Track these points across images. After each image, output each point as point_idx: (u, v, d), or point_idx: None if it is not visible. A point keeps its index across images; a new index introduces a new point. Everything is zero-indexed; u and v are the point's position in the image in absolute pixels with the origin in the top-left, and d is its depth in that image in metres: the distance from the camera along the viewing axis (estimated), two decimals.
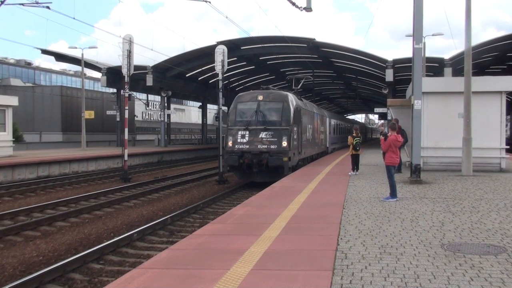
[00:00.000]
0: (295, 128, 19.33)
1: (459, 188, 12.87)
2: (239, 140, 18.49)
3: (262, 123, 18.73)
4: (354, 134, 17.62)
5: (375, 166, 20.56)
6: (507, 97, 20.35)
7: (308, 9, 17.65)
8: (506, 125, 29.02)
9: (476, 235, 7.31)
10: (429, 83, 17.67)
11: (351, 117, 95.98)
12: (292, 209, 9.62)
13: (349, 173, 17.08)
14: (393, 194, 11.04)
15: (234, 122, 19.20)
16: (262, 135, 18.43)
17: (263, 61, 42.49)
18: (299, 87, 27.45)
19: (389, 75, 33.81)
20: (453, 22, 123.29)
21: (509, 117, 41.05)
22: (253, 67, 43.74)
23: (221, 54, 22.51)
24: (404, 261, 5.90)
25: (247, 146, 18.38)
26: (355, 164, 17.44)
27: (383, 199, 11.03)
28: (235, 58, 38.03)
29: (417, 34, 14.83)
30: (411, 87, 15.84)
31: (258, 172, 18.43)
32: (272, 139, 18.29)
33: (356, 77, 46.57)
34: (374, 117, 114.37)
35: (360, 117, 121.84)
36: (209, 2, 19.10)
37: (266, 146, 18.21)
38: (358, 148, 17.38)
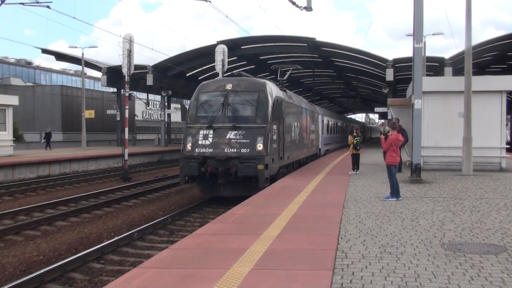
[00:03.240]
0: (274, 126, 15.00)
1: (460, 188, 12.86)
2: (200, 142, 14.19)
3: (231, 120, 14.31)
4: (354, 134, 17.60)
5: (375, 166, 20.56)
6: (507, 96, 20.36)
7: (308, 8, 17.63)
8: (507, 124, 29.01)
9: (476, 235, 7.31)
10: (429, 83, 17.66)
11: (351, 116, 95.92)
12: (292, 209, 9.62)
13: (349, 173, 17.08)
14: (393, 193, 11.04)
15: (195, 119, 14.78)
16: (231, 135, 14.08)
17: (263, 61, 42.48)
18: (285, 78, 22.80)
19: (389, 75, 33.80)
20: (453, 22, 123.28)
21: (509, 116, 41.02)
22: (253, 66, 43.72)
23: (221, 53, 22.53)
24: (405, 261, 5.90)
25: (211, 150, 13.96)
26: (356, 164, 17.44)
27: (383, 198, 11.03)
28: (235, 58, 38.02)
29: (417, 33, 14.82)
30: (412, 87, 15.84)
31: (225, 184, 13.93)
32: (244, 141, 13.98)
33: (357, 77, 46.56)
34: (374, 117, 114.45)
35: (360, 117, 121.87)
36: (209, 1, 19.09)
37: (235, 150, 13.87)
38: (358, 148, 17.38)
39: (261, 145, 13.97)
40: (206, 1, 19.09)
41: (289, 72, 23.90)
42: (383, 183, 14.01)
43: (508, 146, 19.11)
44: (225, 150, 13.93)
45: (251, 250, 6.39)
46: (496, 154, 17.63)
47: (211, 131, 14.28)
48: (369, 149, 37.81)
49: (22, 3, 21.83)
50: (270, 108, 14.67)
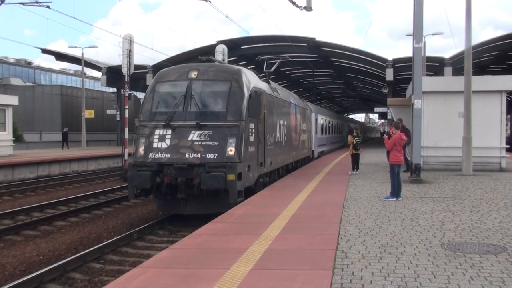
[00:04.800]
0: (251, 125, 12.04)
1: (459, 188, 12.87)
2: (155, 145, 11.33)
3: (194, 117, 11.38)
4: (354, 134, 17.63)
5: (375, 166, 20.57)
6: (507, 96, 20.36)
7: (308, 8, 17.64)
8: (506, 124, 29.03)
9: (476, 235, 7.31)
10: (429, 83, 17.67)
11: (350, 116, 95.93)
12: (292, 209, 9.62)
13: (349, 173, 17.09)
14: (393, 193, 11.04)
15: (150, 115, 11.91)
16: (194, 136, 11.19)
17: (263, 61, 42.45)
18: (272, 69, 20.04)
19: (389, 75, 33.80)
20: (453, 22, 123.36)
21: (509, 116, 41.04)
22: (253, 66, 43.71)
23: (221, 53, 22.50)
24: (404, 261, 5.90)
25: (168, 156, 11.13)
26: (355, 164, 17.45)
27: (383, 198, 11.03)
28: (235, 58, 38.02)
29: (417, 33, 14.83)
30: (411, 87, 15.85)
31: (186, 200, 11.06)
32: (211, 143, 11.10)
33: (356, 77, 46.56)
34: (374, 117, 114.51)
35: (360, 117, 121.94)
36: (209, 1, 19.08)
37: (199, 155, 10.96)
38: (358, 148, 17.39)
39: (233, 149, 11.02)
40: (206, 1, 19.09)
41: (277, 63, 21.65)
42: (383, 183, 14.02)
43: (508, 146, 19.10)
44: (186, 156, 10.99)
45: (251, 250, 6.39)
46: (496, 154, 17.64)
47: (169, 131, 11.38)
48: (369, 149, 37.82)
49: (22, 3, 21.83)
50: (245, 102, 11.67)
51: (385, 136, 12.28)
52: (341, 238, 7.12)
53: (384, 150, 14.19)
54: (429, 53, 38.01)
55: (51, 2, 21.28)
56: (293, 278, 5.21)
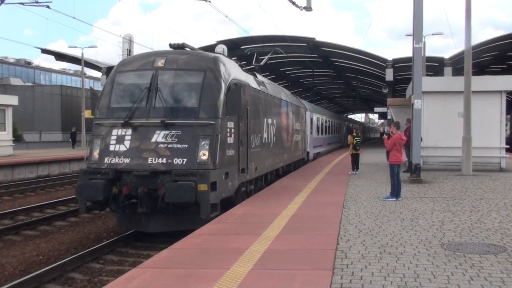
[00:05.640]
0: (230, 123, 10.24)
1: (459, 188, 12.87)
2: (112, 148, 9.58)
3: (160, 113, 9.61)
4: (354, 134, 17.65)
5: (375, 166, 20.58)
6: (507, 96, 20.37)
7: (308, 8, 17.66)
8: (506, 124, 29.04)
9: (476, 235, 7.31)
10: (429, 83, 17.69)
11: (351, 116, 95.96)
12: (292, 209, 9.62)
13: (349, 173, 17.10)
14: (393, 193, 11.05)
15: (107, 111, 10.12)
16: (159, 137, 9.40)
17: (263, 60, 42.50)
18: (261, 63, 18.40)
19: (389, 75, 33.79)
20: (453, 22, 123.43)
21: (509, 116, 41.04)
22: (253, 66, 43.74)
23: (221, 53, 22.46)
24: (404, 261, 5.90)
25: (127, 161, 9.34)
26: (355, 164, 17.46)
27: (383, 198, 11.04)
28: (235, 58, 37.97)
29: (417, 33, 14.84)
30: (411, 87, 15.85)
31: (148, 214, 9.30)
32: (179, 146, 9.30)
33: (356, 77, 46.57)
34: (374, 117, 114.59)
35: (360, 117, 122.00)
36: (209, 1, 19.09)
37: (165, 161, 9.19)
38: (358, 148, 17.40)
39: (206, 153, 9.23)
40: (206, 1, 19.09)
41: (267, 57, 19.86)
42: (383, 183, 14.03)
43: (508, 146, 19.12)
44: (149, 161, 9.19)
45: (250, 250, 6.39)
46: (496, 154, 17.65)
47: (129, 131, 9.58)
48: (369, 149, 37.82)
49: (22, 3, 21.83)
50: (222, 96, 9.87)
51: (385, 136, 12.29)
52: (341, 238, 7.12)
53: (384, 150, 14.20)
54: (429, 53, 38.06)
55: (51, 2, 21.29)
56: (293, 278, 5.21)
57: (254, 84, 12.87)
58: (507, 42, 32.62)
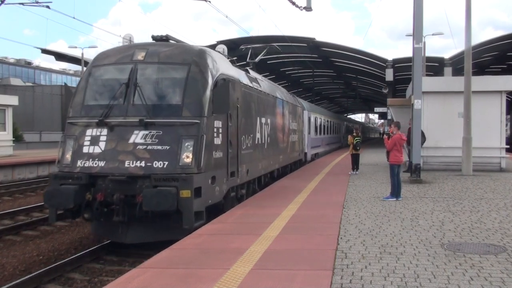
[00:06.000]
0: (218, 123, 9.37)
1: (459, 188, 12.87)
2: (85, 150, 8.74)
3: (139, 112, 8.77)
4: (354, 134, 17.67)
5: (375, 166, 20.58)
6: (507, 96, 20.38)
7: (308, 8, 17.66)
8: (506, 124, 29.04)
9: (476, 235, 7.32)
10: (429, 83, 17.69)
11: (351, 116, 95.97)
12: (292, 209, 9.62)
13: (349, 173, 17.11)
14: (393, 193, 11.05)
15: (81, 109, 9.27)
16: (138, 137, 8.59)
17: (263, 61, 42.44)
18: (256, 60, 17.57)
19: (389, 75, 33.82)
20: (453, 22, 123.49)
21: (509, 116, 41.05)
22: (252, 67, 43.78)
23: (221, 52, 22.43)
24: (404, 261, 5.90)
25: (102, 164, 8.52)
26: (355, 164, 17.47)
27: (383, 198, 11.04)
28: (235, 58, 38.00)
29: (417, 33, 14.85)
30: (411, 87, 15.86)
31: (125, 223, 8.49)
32: (159, 148, 8.49)
33: (356, 77, 46.60)
34: (374, 117, 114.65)
35: (360, 117, 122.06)
36: (209, 1, 19.09)
37: (143, 164, 8.37)
38: (358, 148, 17.42)
39: (190, 155, 8.38)
40: (206, 1, 19.10)
41: (263, 53, 18.97)
42: (383, 183, 14.03)
43: (508, 146, 19.13)
44: (126, 164, 8.35)
45: (251, 250, 6.39)
46: (496, 154, 17.66)
47: (105, 131, 8.75)
48: (369, 149, 37.83)
49: (22, 3, 21.83)
50: (209, 92, 9.01)
51: (385, 136, 12.30)
52: (341, 238, 7.12)
53: (384, 150, 14.21)
54: (429, 53, 38.06)
55: (51, 2, 21.27)
56: (293, 278, 5.21)
57: (245, 80, 12.01)
58: (507, 42, 32.63)
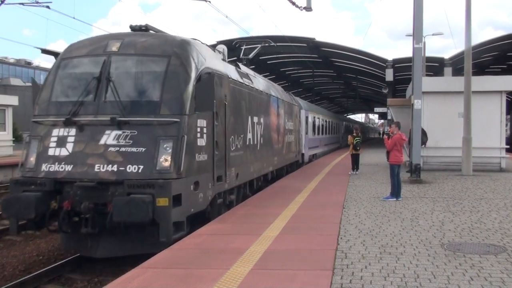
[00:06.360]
0: (201, 122, 8.45)
1: (459, 188, 12.87)
2: (51, 153, 7.83)
3: (111, 109, 7.90)
4: (354, 134, 17.68)
5: (375, 166, 20.58)
6: (507, 96, 20.38)
7: (308, 8, 17.66)
8: (506, 124, 29.05)
9: (476, 235, 7.32)
10: (429, 83, 17.70)
11: (351, 116, 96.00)
12: (292, 209, 9.63)
13: (349, 173, 17.12)
14: (393, 193, 11.05)
15: (47, 107, 8.37)
16: (110, 138, 7.73)
17: (263, 61, 42.53)
18: (250, 56, 16.76)
19: (389, 75, 33.81)
20: (452, 22, 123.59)
21: (509, 116, 41.05)
22: (253, 66, 43.77)
23: (221, 53, 22.41)
24: (404, 261, 5.90)
25: (69, 168, 7.63)
26: (355, 164, 17.48)
27: (383, 198, 11.04)
28: (235, 58, 38.01)
29: (417, 33, 14.85)
30: (411, 87, 15.87)
31: (94, 236, 7.58)
32: (134, 150, 7.62)
33: (356, 77, 46.58)
34: (374, 117, 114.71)
35: (360, 117, 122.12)
36: (209, 1, 19.09)
37: (115, 168, 7.51)
38: (358, 148, 17.43)
39: (168, 158, 7.53)
40: (206, 1, 19.10)
41: (257, 49, 18.08)
42: (382, 183, 14.03)
43: (508, 146, 19.14)
44: (96, 169, 7.48)
45: (251, 250, 6.39)
46: (496, 154, 17.66)
47: (73, 131, 7.87)
48: (369, 149, 37.83)
49: (22, 3, 21.82)
50: (191, 87, 8.12)
51: (385, 136, 12.31)
52: (341, 238, 7.12)
53: (384, 150, 14.22)
54: (429, 53, 38.06)
55: (51, 2, 21.24)
56: (293, 278, 5.21)
57: (235, 76, 11.00)
58: (507, 42, 32.62)
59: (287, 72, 46.78)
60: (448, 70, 32.55)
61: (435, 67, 34.62)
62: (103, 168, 7.50)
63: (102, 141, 7.68)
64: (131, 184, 7.25)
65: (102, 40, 8.74)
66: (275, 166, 15.57)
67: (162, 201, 7.16)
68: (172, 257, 6.24)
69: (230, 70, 10.85)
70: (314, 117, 26.69)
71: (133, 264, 6.56)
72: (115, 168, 7.47)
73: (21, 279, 7.46)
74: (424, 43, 28.18)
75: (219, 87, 9.23)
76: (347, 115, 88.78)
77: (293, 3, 17.30)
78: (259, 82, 14.25)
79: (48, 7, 21.20)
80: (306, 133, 23.60)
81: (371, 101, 68.57)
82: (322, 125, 30.54)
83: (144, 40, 8.57)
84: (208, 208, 8.84)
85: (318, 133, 28.78)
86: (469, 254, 6.21)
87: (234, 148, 10.45)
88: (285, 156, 17.37)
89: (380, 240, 7.01)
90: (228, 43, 33.52)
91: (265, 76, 29.33)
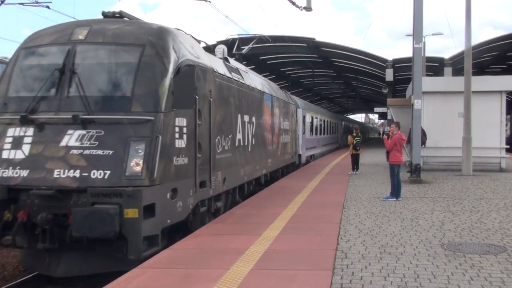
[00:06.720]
0: (180, 121, 7.50)
1: (459, 188, 12.87)
2: (5, 155, 6.88)
3: (74, 106, 6.96)
4: (354, 134, 17.70)
5: (375, 166, 20.58)
6: (507, 96, 20.39)
7: (308, 8, 17.65)
8: (506, 124, 29.05)
9: (476, 235, 7.32)
10: (429, 83, 17.71)
11: (351, 116, 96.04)
12: (292, 209, 9.63)
13: (349, 173, 17.12)
14: (393, 193, 11.05)
15: (3, 103, 7.40)
16: (72, 139, 6.74)
17: (263, 61, 42.54)
18: (244, 51, 15.97)
19: (389, 75, 33.82)
20: (452, 22, 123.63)
21: (509, 116, 41.05)
22: (253, 66, 43.78)
23: (221, 53, 22.40)
24: (404, 261, 5.90)
25: (25, 174, 6.62)
26: (355, 164, 17.49)
27: (383, 198, 11.04)
28: (235, 58, 37.99)
29: (417, 33, 14.86)
30: (411, 87, 15.87)
31: (53, 252, 6.65)
32: (100, 152, 6.63)
33: (356, 77, 46.59)
34: (374, 117, 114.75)
35: (360, 117, 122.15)
36: (209, 1, 19.09)
37: (78, 174, 6.49)
38: (358, 148, 17.44)
39: (140, 162, 6.54)
40: (206, 1, 19.09)
41: (252, 43, 17.07)
42: (382, 183, 14.03)
43: (508, 146, 19.15)
44: (56, 174, 6.50)
45: (251, 250, 6.39)
46: (496, 154, 17.67)
47: (30, 130, 6.91)
48: (369, 149, 37.84)
49: (22, 3, 21.83)
50: (168, 81, 7.16)
51: (385, 136, 12.31)
52: (341, 238, 7.12)
53: (384, 150, 14.24)
54: (429, 53, 38.06)
55: (51, 2, 21.24)
56: (293, 278, 5.21)
57: (222, 70, 9.98)
58: (507, 42, 32.62)
59: (287, 72, 46.77)
60: (448, 70, 32.56)
61: (435, 67, 34.63)
62: (63, 173, 6.47)
63: (63, 143, 6.67)
64: (95, 193, 6.30)
65: (68, 28, 7.69)
66: (269, 169, 14.59)
67: (131, 212, 6.24)
68: (172, 257, 6.24)
69: (217, 64, 9.83)
70: (311, 117, 25.89)
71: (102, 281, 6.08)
72: (77, 173, 6.45)
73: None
74: (424, 43, 28.20)
75: (202, 82, 8.26)
76: (347, 115, 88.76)
77: (293, 3, 17.29)
78: (251, 78, 13.23)
79: (48, 7, 21.20)
80: (303, 133, 22.73)
81: (371, 101, 68.57)
82: (320, 125, 29.78)
83: (115, 28, 7.52)
84: (190, 217, 7.90)
85: (316, 133, 27.91)
86: (469, 254, 6.21)
87: (220, 149, 9.45)
88: (280, 158, 16.41)
89: (380, 240, 7.01)
90: (227, 43, 33.51)
91: (265, 76, 28.76)
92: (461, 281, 5.10)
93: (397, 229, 7.72)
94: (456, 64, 31.29)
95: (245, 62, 43.64)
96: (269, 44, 37.35)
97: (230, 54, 14.36)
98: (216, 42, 33.50)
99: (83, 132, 6.70)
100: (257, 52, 38.86)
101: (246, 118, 11.69)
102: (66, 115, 6.80)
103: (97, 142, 6.62)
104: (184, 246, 6.87)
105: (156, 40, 7.40)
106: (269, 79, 46.90)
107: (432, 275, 5.32)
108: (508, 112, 37.41)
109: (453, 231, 7.56)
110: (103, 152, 6.57)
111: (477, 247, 6.57)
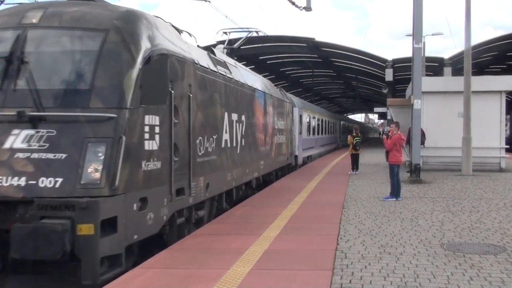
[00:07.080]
0: (151, 119, 6.32)
1: (459, 188, 12.88)
2: None
3: (22, 100, 5.79)
4: (354, 134, 17.72)
5: (375, 166, 20.59)
6: (506, 96, 20.40)
7: (308, 8, 17.66)
8: (506, 124, 29.06)
9: (475, 235, 7.32)
10: (428, 83, 17.72)
11: (350, 116, 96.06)
12: (291, 209, 9.63)
13: (349, 173, 17.13)
14: (393, 193, 11.06)
15: None
16: (17, 140, 5.61)
17: (262, 61, 42.54)
18: (235, 46, 15.47)
19: (389, 75, 33.83)
20: (452, 22, 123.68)
21: (509, 116, 41.08)
22: (253, 66, 43.78)
23: (220, 53, 22.40)
24: (404, 261, 5.91)
25: None
26: (355, 164, 17.49)
27: (383, 198, 11.05)
28: (235, 58, 37.94)
29: (417, 33, 14.86)
30: (411, 87, 15.88)
31: (2, 273, 5.51)
32: (51, 156, 5.48)
33: (356, 77, 46.62)
34: (374, 117, 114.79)
35: (360, 117, 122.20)
36: (209, 1, 19.09)
37: (24, 181, 5.37)
38: (358, 148, 17.45)
39: (99, 168, 5.52)
40: (206, 1, 19.10)
41: (244, 38, 16.63)
42: (382, 183, 14.03)
43: (508, 146, 19.16)
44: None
45: (250, 250, 6.39)
46: (496, 154, 17.68)
47: None
48: (368, 149, 37.84)
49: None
50: (135, 72, 6.10)
51: (384, 136, 12.32)
52: (341, 238, 7.13)
53: (383, 150, 14.24)
54: (428, 53, 38.08)
55: None
56: (293, 278, 5.22)
57: (205, 62, 8.83)
58: (507, 42, 32.63)
59: (286, 72, 46.78)
60: (448, 70, 32.57)
61: (435, 67, 34.65)
62: (6, 181, 5.42)
63: (6, 145, 5.62)
64: (42, 205, 5.28)
65: (22, 10, 6.61)
66: (262, 172, 13.48)
67: (85, 229, 5.23)
68: (172, 257, 6.24)
69: (198, 55, 8.62)
70: (309, 116, 24.76)
71: None
72: (22, 181, 5.41)
73: None
74: (424, 43, 28.21)
75: (179, 74, 7.22)
76: (347, 115, 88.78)
77: (293, 3, 17.30)
78: (241, 73, 12.07)
79: None
80: (300, 133, 21.66)
81: (371, 101, 68.59)
82: (318, 125, 28.76)
83: (75, 10, 6.41)
84: (166, 230, 6.94)
85: (314, 133, 26.81)
86: (468, 254, 6.21)
87: (203, 152, 8.29)
88: (274, 160, 15.28)
89: (379, 240, 7.01)
90: (228, 43, 33.40)
91: (264, 76, 27.66)
92: (460, 281, 5.10)
93: (396, 229, 7.73)
94: (456, 64, 31.30)
95: (244, 62, 43.74)
96: (269, 44, 37.42)
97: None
98: (216, 42, 33.53)
99: (31, 132, 5.68)
100: (257, 52, 38.88)
101: (235, 116, 10.60)
102: (11, 111, 5.71)
103: (47, 144, 5.59)
104: (184, 246, 6.87)
105: (122, 25, 6.29)
106: (269, 79, 46.81)
107: (432, 275, 5.32)
108: (507, 112, 37.41)
109: (453, 231, 7.56)
110: (54, 156, 5.53)
111: (477, 247, 6.57)
